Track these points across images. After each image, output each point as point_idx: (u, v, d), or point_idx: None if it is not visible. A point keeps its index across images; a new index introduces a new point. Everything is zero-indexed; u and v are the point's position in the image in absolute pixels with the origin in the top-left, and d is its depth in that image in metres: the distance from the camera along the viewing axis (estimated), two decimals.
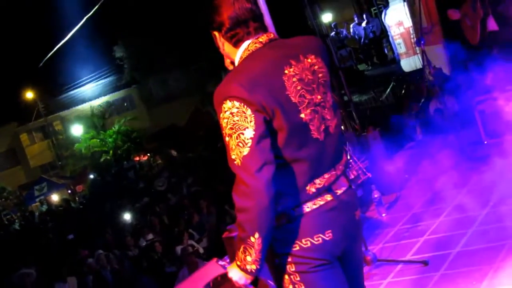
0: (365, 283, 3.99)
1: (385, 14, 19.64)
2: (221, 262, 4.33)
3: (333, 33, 26.71)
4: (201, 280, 6.39)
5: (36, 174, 54.36)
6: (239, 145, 3.28)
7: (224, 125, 3.35)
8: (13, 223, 38.45)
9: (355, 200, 3.71)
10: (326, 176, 3.51)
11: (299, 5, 12.62)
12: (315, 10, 14.42)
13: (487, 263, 5.85)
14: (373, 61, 26.68)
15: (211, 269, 5.83)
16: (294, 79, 3.42)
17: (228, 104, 3.31)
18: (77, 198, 42.42)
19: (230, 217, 15.11)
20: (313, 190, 3.46)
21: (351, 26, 27.82)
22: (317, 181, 3.48)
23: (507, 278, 5.49)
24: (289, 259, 3.52)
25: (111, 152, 48.72)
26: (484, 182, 7.61)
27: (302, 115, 3.41)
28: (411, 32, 15.72)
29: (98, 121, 52.68)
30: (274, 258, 3.58)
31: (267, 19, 9.79)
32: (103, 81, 54.28)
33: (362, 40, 26.62)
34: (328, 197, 3.51)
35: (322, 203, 3.48)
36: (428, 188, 8.86)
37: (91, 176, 46.25)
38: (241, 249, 3.41)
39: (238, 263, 3.46)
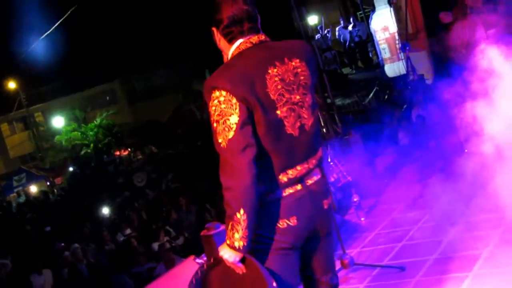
0: (342, 287, 4.07)
1: (371, 19, 19.66)
2: (198, 260, 4.35)
3: (318, 35, 26.75)
4: (177, 277, 6.39)
5: (15, 164, 54.10)
6: (225, 130, 3.68)
7: (212, 112, 3.75)
8: None
9: (325, 190, 4.09)
10: (298, 168, 3.90)
11: (286, 6, 12.59)
12: (301, 12, 14.42)
13: (463, 271, 5.87)
14: (357, 65, 26.75)
15: (188, 267, 5.83)
16: (276, 79, 3.82)
17: (216, 94, 3.72)
18: (55, 191, 42.25)
19: (210, 215, 15.10)
20: (285, 179, 3.86)
21: (337, 29, 27.88)
22: (290, 171, 3.87)
23: (485, 283, 5.53)
24: (255, 239, 3.83)
25: (91, 145, 48.60)
26: (462, 191, 7.65)
27: (278, 112, 3.80)
28: (396, 37, 15.74)
29: (79, 114, 52.53)
30: None
31: None
32: (84, 73, 53.99)
33: (347, 44, 26.68)
34: (298, 187, 3.90)
35: (291, 191, 3.87)
36: (407, 194, 8.90)
37: (71, 169, 46.10)
38: (229, 226, 3.72)
39: (228, 241, 3.76)
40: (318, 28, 28.20)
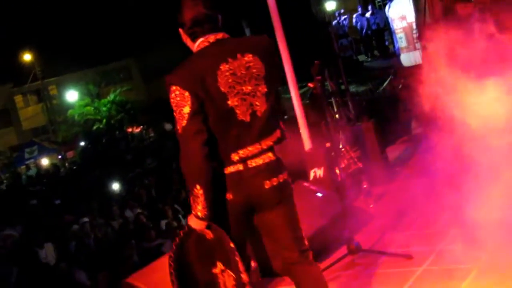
0: (348, 272, 4.21)
1: (389, 7, 19.64)
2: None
3: (335, 22, 26.66)
4: None
5: (28, 136, 54.30)
6: (180, 118, 4.39)
7: (172, 103, 4.46)
8: (0, 183, 38.40)
9: (271, 170, 4.62)
10: (249, 148, 4.52)
11: None
12: None
13: (471, 262, 5.87)
14: (373, 53, 26.66)
15: None
16: (227, 73, 4.46)
17: (173, 88, 4.44)
18: (66, 164, 42.37)
19: None
20: (237, 158, 4.50)
21: (354, 16, 27.75)
22: (240, 151, 4.50)
23: (491, 277, 5.53)
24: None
25: (104, 121, 48.73)
26: (476, 182, 7.62)
27: (229, 102, 4.45)
28: (414, 27, 15.70)
29: (93, 89, 52.63)
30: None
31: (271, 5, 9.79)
32: (100, 48, 53.94)
33: (364, 31, 26.58)
34: (240, 167, 4.53)
35: (233, 170, 4.53)
36: (418, 183, 8.89)
37: (82, 144, 46.23)
38: (192, 200, 4.43)
39: (193, 212, 4.45)
40: (336, 14, 28.11)
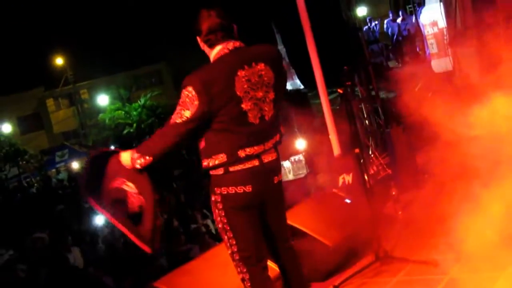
0: (375, 279, 4.23)
1: (420, 13, 19.51)
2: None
3: (366, 27, 26.57)
4: (209, 260, 6.46)
5: (58, 140, 54.70)
6: (178, 115, 4.98)
7: (180, 98, 5.01)
8: (31, 187, 38.64)
9: (277, 168, 5.32)
10: (255, 147, 5.08)
11: None
12: (350, 2, 14.37)
13: (499, 270, 5.82)
14: (404, 58, 26.52)
15: (221, 251, 5.88)
16: (243, 79, 4.98)
17: (188, 89, 4.94)
18: None
19: None
20: (243, 155, 5.04)
21: (385, 21, 27.63)
22: (247, 149, 5.05)
23: None
24: (219, 198, 5.17)
25: (134, 125, 48.96)
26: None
27: (243, 106, 4.98)
28: (445, 33, 15.60)
29: (124, 93, 52.89)
30: (211, 195, 5.22)
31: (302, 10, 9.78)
32: (132, 53, 54.18)
33: (395, 37, 26.46)
34: (256, 162, 5.09)
35: (250, 165, 5.07)
36: (447, 189, 8.81)
37: (112, 147, 46.42)
38: (137, 155, 5.15)
39: (133, 156, 5.18)
40: (367, 20, 28.02)
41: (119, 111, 50.31)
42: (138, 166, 5.18)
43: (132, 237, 5.45)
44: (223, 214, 5.20)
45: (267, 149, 5.18)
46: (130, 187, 5.39)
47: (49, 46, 52.29)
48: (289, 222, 6.01)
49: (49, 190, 33.25)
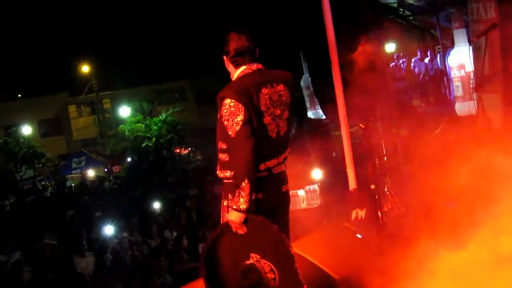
0: None
1: (448, 55, 19.52)
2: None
3: (393, 64, 26.54)
4: None
5: (77, 146, 54.85)
6: (233, 125, 5.36)
7: (224, 113, 5.43)
8: (46, 190, 38.74)
9: (285, 179, 5.80)
10: (272, 160, 5.60)
11: (365, 30, 12.59)
12: (379, 36, 14.38)
13: None
14: (428, 99, 26.46)
15: None
16: (266, 96, 5.52)
17: (227, 101, 5.42)
18: (111, 178, 42.64)
19: None
20: (263, 168, 5.52)
21: (413, 60, 27.62)
22: (267, 163, 5.56)
23: None
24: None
25: (153, 139, 49.02)
26: None
27: (264, 120, 5.51)
28: (471, 77, 15.56)
29: (146, 106, 53.01)
30: (223, 200, 5.65)
31: (331, 37, 9.79)
32: (157, 67, 54.32)
33: (421, 76, 26.42)
34: (265, 173, 5.54)
35: (260, 175, 5.47)
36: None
37: (129, 159, 46.50)
38: (236, 194, 5.32)
39: (234, 206, 5.35)
40: (395, 56, 28.00)
41: (140, 124, 50.40)
42: (244, 206, 5.31)
43: None
44: None
45: (280, 162, 5.73)
46: (251, 259, 5.47)
47: (77, 53, 52.62)
48: (298, 251, 6.11)
49: (62, 195, 33.32)
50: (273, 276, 5.41)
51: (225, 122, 5.42)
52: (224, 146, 5.60)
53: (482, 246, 7.13)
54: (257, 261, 5.42)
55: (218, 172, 5.71)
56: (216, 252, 5.57)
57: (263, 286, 5.39)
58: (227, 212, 5.53)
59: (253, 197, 5.40)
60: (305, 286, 5.49)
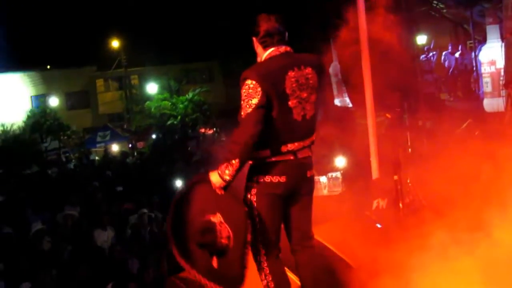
0: None
1: (479, 50, 19.41)
2: None
3: (423, 56, 26.40)
4: None
5: (102, 121, 55.06)
6: (247, 106, 5.45)
7: (242, 93, 5.49)
8: (69, 162, 38.91)
9: (310, 164, 5.85)
10: (296, 144, 5.64)
11: (397, 20, 12.51)
12: (411, 28, 14.30)
13: None
14: (456, 93, 26.32)
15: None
16: (292, 79, 5.57)
17: (248, 82, 5.48)
18: (135, 154, 42.76)
19: None
20: (285, 150, 5.60)
21: (443, 53, 27.44)
22: (289, 145, 5.62)
23: None
24: (255, 184, 5.67)
25: (179, 117, 49.14)
26: None
27: (290, 103, 5.57)
28: (502, 73, 15.46)
29: (174, 85, 53.11)
30: (247, 182, 5.72)
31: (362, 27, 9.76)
32: (187, 46, 54.30)
33: (451, 70, 26.27)
34: (291, 157, 5.64)
35: (286, 158, 5.61)
36: None
37: (154, 136, 46.61)
38: (224, 165, 5.48)
39: (219, 171, 5.53)
40: (425, 49, 27.83)
41: (166, 102, 50.49)
42: (227, 178, 5.50)
43: (212, 286, 5.76)
44: (254, 199, 5.68)
45: (305, 146, 5.76)
46: (216, 217, 5.72)
47: (108, 28, 52.67)
48: (317, 237, 6.13)
49: (86, 168, 33.45)
50: (226, 243, 5.69)
51: (242, 102, 5.52)
52: None
53: (502, 244, 7.10)
54: (220, 223, 5.70)
55: None
56: (190, 195, 5.97)
57: (213, 248, 5.72)
58: (249, 193, 5.71)
59: (276, 180, 5.62)
60: (246, 271, 5.67)
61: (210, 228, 5.68)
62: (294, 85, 5.56)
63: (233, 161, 5.44)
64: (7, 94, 52.16)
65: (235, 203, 5.69)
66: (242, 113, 5.49)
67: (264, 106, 5.44)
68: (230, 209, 5.70)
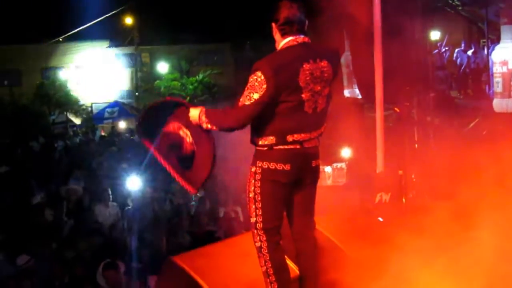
0: None
1: (492, 49, 19.32)
2: None
3: (435, 51, 26.31)
4: (234, 247, 6.52)
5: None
6: (247, 97, 5.47)
7: (249, 81, 5.47)
8: (76, 135, 38.93)
9: (316, 154, 5.86)
10: (302, 135, 5.64)
11: (412, 14, 12.47)
12: (425, 23, 14.25)
13: None
14: (466, 91, 26.24)
15: (247, 240, 5.95)
16: (307, 72, 5.52)
17: (258, 73, 5.44)
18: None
19: None
20: (291, 139, 5.60)
21: (456, 50, 27.34)
22: (295, 135, 5.60)
23: None
24: (259, 170, 5.69)
25: (188, 99, 48.98)
26: None
27: (303, 95, 5.54)
28: None
29: (185, 65, 53.00)
30: (251, 166, 5.74)
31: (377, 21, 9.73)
32: (200, 28, 54.19)
33: (462, 68, 26.19)
34: (297, 146, 5.64)
35: (292, 147, 5.62)
36: None
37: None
38: (206, 120, 5.69)
39: (200, 116, 5.72)
40: (438, 44, 27.73)
41: (176, 82, 50.44)
42: (203, 126, 5.73)
43: (180, 179, 6.21)
44: (258, 184, 5.71)
45: (312, 137, 5.75)
46: (186, 134, 5.99)
47: (122, 4, 52.64)
48: (318, 227, 6.30)
49: (92, 142, 33.46)
50: (192, 148, 6.02)
51: (245, 90, 5.52)
52: None
53: (504, 244, 7.10)
54: (188, 137, 6.00)
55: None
56: (165, 105, 6.40)
57: (179, 151, 6.07)
58: (254, 178, 5.74)
59: (280, 167, 5.63)
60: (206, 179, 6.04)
61: (178, 139, 6.04)
62: (308, 78, 5.53)
63: (210, 126, 5.68)
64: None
65: (203, 132, 5.84)
66: (240, 100, 5.53)
67: (264, 103, 5.44)
68: (199, 136, 5.91)
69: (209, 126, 5.69)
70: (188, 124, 5.92)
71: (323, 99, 5.70)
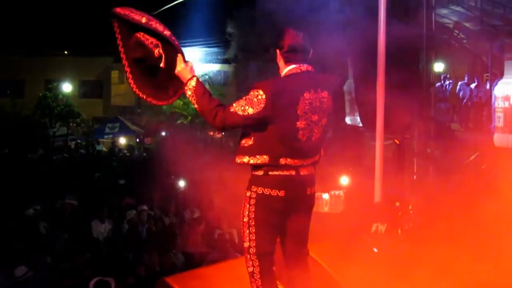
0: None
1: (495, 84, 19.36)
2: None
3: (438, 84, 26.37)
4: (228, 271, 6.46)
5: (113, 112, 55.08)
6: (241, 108, 5.44)
7: (248, 94, 5.47)
8: (78, 149, 38.98)
9: (311, 182, 5.81)
10: (295, 160, 5.60)
11: (417, 46, 12.52)
12: (430, 55, 14.29)
13: None
14: (467, 124, 26.29)
15: (240, 265, 5.92)
16: (306, 101, 5.53)
17: (259, 91, 5.43)
18: (142, 149, 42.77)
19: None
20: (283, 163, 5.56)
21: (459, 84, 27.41)
22: (288, 159, 5.57)
23: None
24: (254, 195, 5.64)
25: (189, 118, 49.06)
26: None
27: (298, 123, 5.50)
28: None
29: None
30: (247, 191, 5.70)
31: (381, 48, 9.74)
32: (206, 49, 54.41)
33: (464, 101, 26.24)
34: (293, 172, 5.62)
35: (287, 173, 5.60)
36: None
37: (163, 134, 46.62)
38: (193, 87, 5.71)
39: (190, 80, 5.76)
40: (441, 76, 27.81)
41: (179, 101, 50.45)
42: (185, 89, 5.79)
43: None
44: (252, 209, 5.66)
45: (305, 165, 5.71)
46: (159, 53, 6.07)
47: None
48: (311, 254, 6.18)
49: (91, 157, 33.48)
50: (159, 55, 6.09)
51: (241, 98, 5.52)
52: (247, 131, 5.66)
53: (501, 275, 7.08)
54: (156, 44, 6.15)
55: (236, 158, 5.75)
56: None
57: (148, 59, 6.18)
58: (248, 203, 5.70)
59: (275, 193, 5.59)
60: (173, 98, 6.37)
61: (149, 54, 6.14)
62: (307, 107, 5.53)
63: (193, 99, 5.72)
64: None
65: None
66: (234, 106, 5.51)
67: (256, 120, 5.44)
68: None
69: (189, 93, 5.72)
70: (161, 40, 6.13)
71: (319, 129, 5.67)
